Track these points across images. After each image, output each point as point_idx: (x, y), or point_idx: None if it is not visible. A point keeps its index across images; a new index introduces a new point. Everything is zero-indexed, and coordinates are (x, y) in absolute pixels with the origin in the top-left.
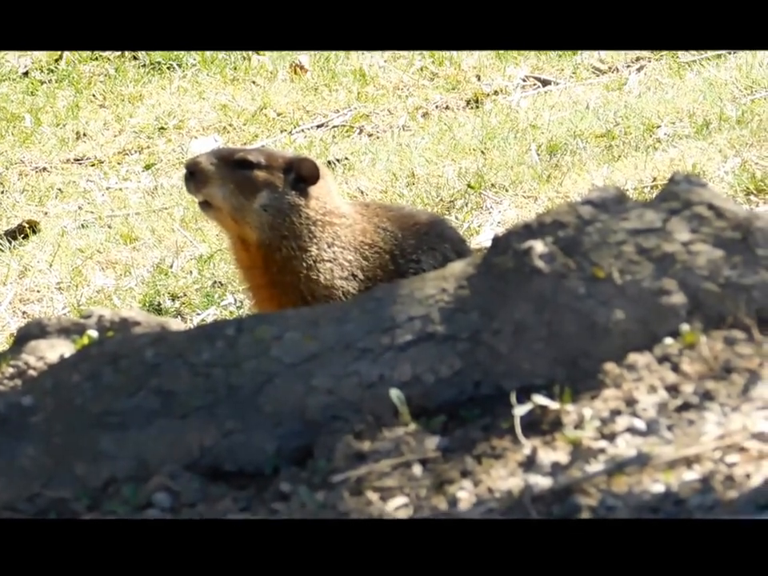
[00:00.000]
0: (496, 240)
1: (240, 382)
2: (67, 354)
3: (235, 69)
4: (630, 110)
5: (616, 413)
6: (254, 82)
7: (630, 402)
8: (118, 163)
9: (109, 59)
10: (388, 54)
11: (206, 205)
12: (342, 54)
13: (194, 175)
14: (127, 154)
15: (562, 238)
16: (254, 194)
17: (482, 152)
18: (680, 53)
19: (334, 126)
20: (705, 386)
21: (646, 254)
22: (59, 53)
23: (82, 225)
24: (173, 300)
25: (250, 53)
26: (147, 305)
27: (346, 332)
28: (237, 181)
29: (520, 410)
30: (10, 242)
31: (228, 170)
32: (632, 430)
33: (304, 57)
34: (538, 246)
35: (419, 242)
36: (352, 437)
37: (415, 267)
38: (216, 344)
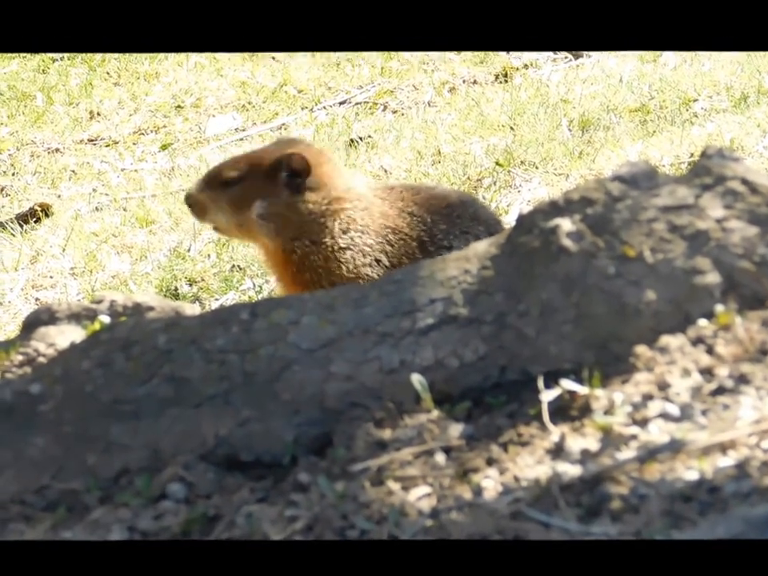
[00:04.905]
0: (521, 218)
1: (256, 368)
2: (78, 341)
3: None
4: (665, 83)
5: (648, 397)
6: (273, 58)
7: (663, 387)
8: (134, 143)
9: None
10: None
11: (217, 229)
12: None
13: (192, 207)
14: (143, 134)
15: (590, 215)
16: (249, 206)
17: (511, 128)
18: None
19: (357, 103)
20: (740, 369)
21: (678, 231)
22: None
23: (97, 207)
24: (190, 285)
25: None
26: (164, 290)
27: (365, 316)
28: (228, 200)
29: (547, 396)
30: (22, 226)
31: (217, 193)
32: (665, 416)
33: None
34: (565, 225)
35: (451, 225)
36: (372, 424)
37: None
38: (231, 329)
